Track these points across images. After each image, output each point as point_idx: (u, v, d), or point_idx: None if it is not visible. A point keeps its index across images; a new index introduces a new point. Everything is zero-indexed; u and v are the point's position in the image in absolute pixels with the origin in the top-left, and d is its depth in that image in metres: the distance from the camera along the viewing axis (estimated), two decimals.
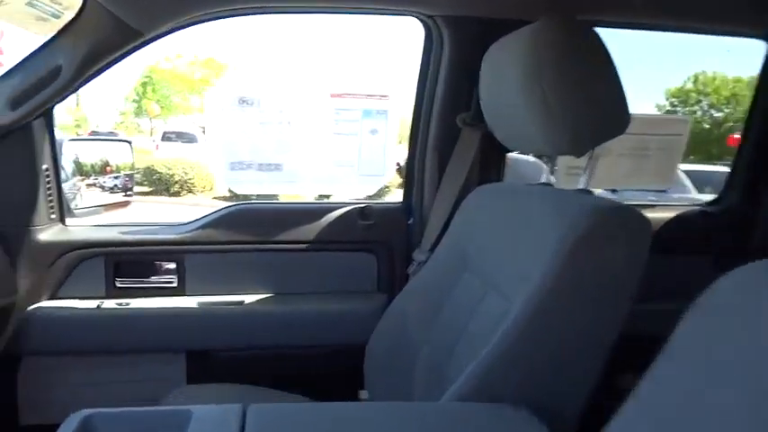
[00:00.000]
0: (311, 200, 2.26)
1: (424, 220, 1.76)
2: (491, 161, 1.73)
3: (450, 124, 1.67)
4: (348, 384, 1.55)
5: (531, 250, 1.07)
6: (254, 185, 1.93)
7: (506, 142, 1.30)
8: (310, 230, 1.84)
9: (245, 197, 2.14)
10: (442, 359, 1.24)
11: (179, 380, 1.74)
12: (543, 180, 1.41)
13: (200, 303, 1.76)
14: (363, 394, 1.54)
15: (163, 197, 11.83)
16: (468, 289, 1.28)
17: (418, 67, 1.78)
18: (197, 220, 1.83)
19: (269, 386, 1.55)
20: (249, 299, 1.80)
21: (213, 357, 1.73)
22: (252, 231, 1.81)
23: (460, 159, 1.68)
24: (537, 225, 1.11)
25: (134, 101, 25.80)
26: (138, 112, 25.85)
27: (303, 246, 1.84)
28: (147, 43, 1.57)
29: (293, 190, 1.98)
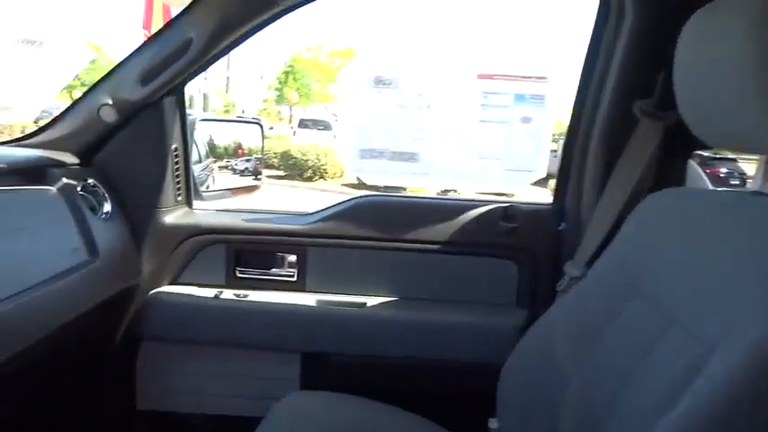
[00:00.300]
0: (435, 194, 2.04)
1: (581, 226, 1.48)
2: (672, 161, 1.40)
3: (625, 113, 1.37)
4: (476, 410, 1.32)
5: (747, 281, 0.78)
6: (384, 176, 1.75)
7: (709, 138, 0.99)
8: (444, 229, 1.63)
9: (374, 187, 1.97)
10: (599, 403, 0.97)
11: (292, 382, 1.61)
12: (756, 187, 1.07)
13: (318, 302, 1.62)
14: (493, 423, 1.30)
15: (296, 182, 12.26)
16: (640, 320, 0.99)
17: (587, 44, 1.48)
18: (322, 210, 1.69)
19: (386, 400, 1.37)
20: (372, 301, 1.62)
21: (329, 362, 1.58)
22: (380, 226, 1.63)
23: (634, 156, 1.37)
24: (757, 248, 0.80)
25: (276, 89, 27.22)
26: (280, 99, 27.25)
27: (435, 246, 1.63)
28: (280, 15, 1.44)
29: (427, 183, 1.77)
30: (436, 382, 1.59)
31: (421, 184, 1.90)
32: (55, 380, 1.47)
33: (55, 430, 1.59)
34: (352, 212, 1.65)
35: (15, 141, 1.52)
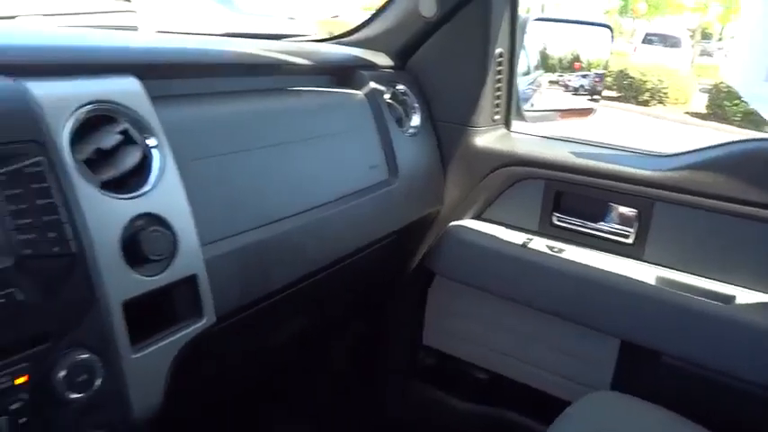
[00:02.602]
0: None
1: None
2: None
3: None
4: None
5: None
6: None
7: None
8: None
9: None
10: None
11: (601, 370, 1.25)
12: None
13: (660, 280, 1.17)
14: None
15: (629, 105, 10.97)
16: None
17: None
18: (685, 153, 1.20)
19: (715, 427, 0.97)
20: (743, 296, 1.11)
21: (658, 362, 1.15)
22: None
23: None
24: None
25: None
26: (623, 10, 24.50)
27: None
28: None
29: None
30: None
31: None
32: (343, 306, 1.39)
33: (339, 355, 1.56)
34: (733, 162, 1.12)
35: (332, 39, 1.39)
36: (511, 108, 1.39)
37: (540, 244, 1.29)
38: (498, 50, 1.28)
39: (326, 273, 1.05)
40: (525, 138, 1.39)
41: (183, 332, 0.76)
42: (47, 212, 0.60)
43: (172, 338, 0.75)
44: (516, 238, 1.31)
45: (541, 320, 1.29)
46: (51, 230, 0.61)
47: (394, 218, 1.22)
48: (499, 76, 1.32)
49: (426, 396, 1.53)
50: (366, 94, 1.20)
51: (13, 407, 0.57)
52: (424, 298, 1.49)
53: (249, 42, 1.12)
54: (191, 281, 0.77)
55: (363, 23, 1.37)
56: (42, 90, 0.66)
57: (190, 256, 0.76)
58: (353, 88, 1.20)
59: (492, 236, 1.33)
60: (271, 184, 0.94)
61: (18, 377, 0.58)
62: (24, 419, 0.58)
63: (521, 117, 1.46)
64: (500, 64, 1.31)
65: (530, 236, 1.31)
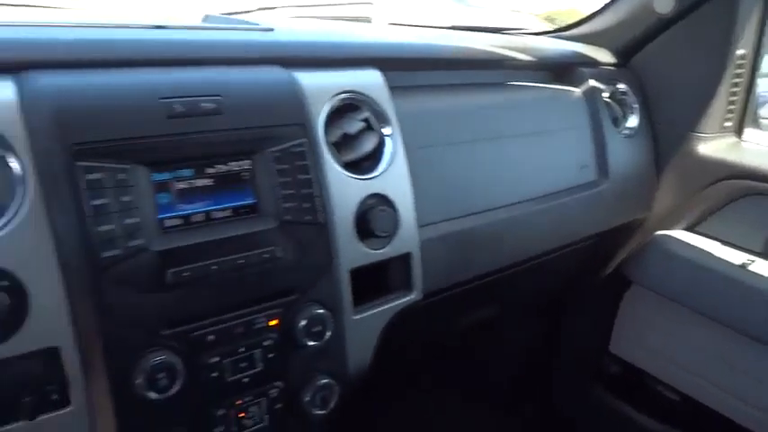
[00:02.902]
0: None
1: None
2: None
3: None
4: None
5: None
6: None
7: None
8: None
9: None
10: None
11: None
12: None
13: None
14: None
15: None
16: None
17: None
18: None
19: None
20: None
21: None
22: None
23: None
24: None
25: None
26: None
27: None
28: None
29: None
30: None
31: None
32: (530, 302, 1.40)
33: (515, 349, 1.57)
34: None
35: (553, 32, 1.38)
36: (746, 115, 1.27)
37: (763, 267, 1.17)
38: (741, 52, 1.17)
39: (523, 267, 1.08)
40: (760, 149, 1.26)
41: (395, 303, 0.84)
42: (305, 186, 0.71)
43: (385, 306, 0.83)
44: (735, 257, 1.20)
45: (751, 350, 1.18)
46: (307, 202, 0.71)
47: (598, 220, 1.20)
48: (737, 80, 1.20)
49: (605, 403, 1.49)
50: (584, 92, 1.18)
51: (265, 343, 0.70)
52: (617, 305, 1.43)
53: (474, 36, 1.16)
54: (406, 258, 0.84)
55: (588, 17, 1.33)
56: (307, 80, 0.77)
57: (408, 236, 0.84)
58: (572, 85, 1.19)
59: (705, 251, 1.23)
60: (482, 175, 0.98)
61: (271, 320, 0.70)
62: (272, 355, 0.70)
63: (756, 125, 1.32)
64: (740, 66, 1.19)
65: (751, 257, 1.20)
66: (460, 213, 0.94)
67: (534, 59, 1.17)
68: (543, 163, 1.08)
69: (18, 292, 0.56)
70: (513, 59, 1.13)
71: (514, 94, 1.11)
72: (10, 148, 0.57)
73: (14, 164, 0.58)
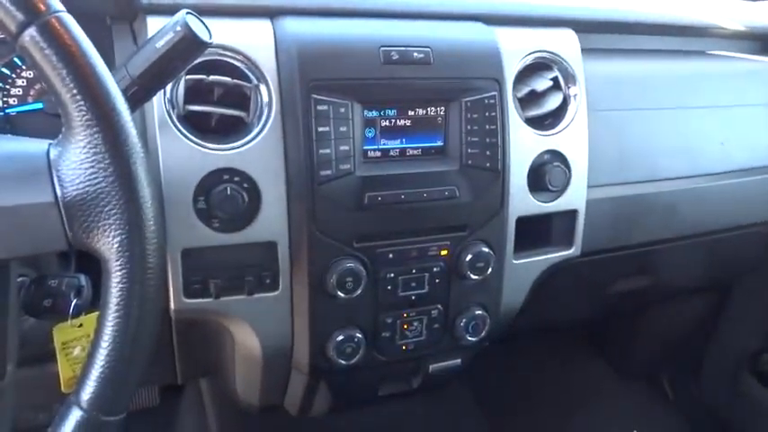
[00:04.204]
0: None
1: None
2: None
3: None
4: None
5: None
6: None
7: None
8: None
9: None
10: None
11: None
12: None
13: None
14: None
15: None
16: None
17: None
18: None
19: None
20: None
21: None
22: None
23: None
24: None
25: None
26: None
27: None
28: None
29: None
30: None
31: None
32: (687, 281, 1.36)
33: (666, 326, 1.54)
34: None
35: None
36: None
37: None
38: None
39: (691, 241, 1.06)
40: None
41: (552, 255, 0.90)
42: (490, 136, 0.78)
43: (543, 257, 0.89)
44: None
45: None
46: (489, 150, 0.78)
47: None
48: None
49: (755, 395, 1.43)
50: None
51: (434, 269, 0.80)
52: None
53: (672, 2, 1.11)
54: (572, 215, 0.89)
55: None
56: (505, 37, 0.82)
57: (577, 194, 0.88)
58: None
59: None
60: (663, 144, 0.98)
61: (442, 250, 0.79)
62: (438, 280, 0.80)
63: None
64: None
65: None
66: (634, 179, 0.95)
67: (742, 29, 1.10)
68: (732, 138, 1.04)
69: (255, 194, 0.70)
70: (718, 27, 1.07)
71: (714, 64, 1.07)
72: (264, 79, 0.70)
73: (264, 92, 0.71)
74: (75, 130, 0.39)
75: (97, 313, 0.51)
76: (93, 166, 0.39)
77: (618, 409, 1.56)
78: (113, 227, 0.40)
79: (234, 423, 1.19)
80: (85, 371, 0.41)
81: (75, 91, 0.38)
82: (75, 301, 0.50)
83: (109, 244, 0.40)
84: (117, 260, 0.40)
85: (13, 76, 0.72)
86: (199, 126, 0.70)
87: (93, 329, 0.51)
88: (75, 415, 0.41)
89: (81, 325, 0.53)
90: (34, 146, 0.42)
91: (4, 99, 0.72)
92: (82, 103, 0.38)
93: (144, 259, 0.40)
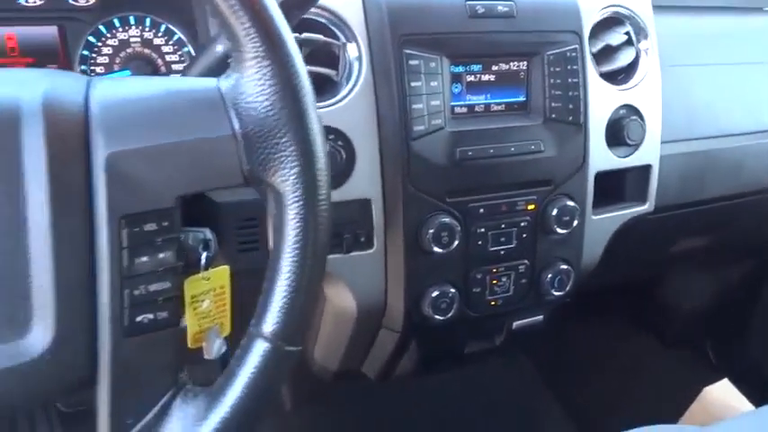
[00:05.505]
0: None
1: None
2: None
3: None
4: None
5: None
6: None
7: None
8: None
9: None
10: None
11: None
12: None
13: None
14: None
15: None
16: None
17: None
18: None
19: None
20: None
21: None
22: None
23: None
24: None
25: None
26: None
27: None
28: None
29: None
30: None
31: None
32: (753, 239, 1.35)
33: (724, 286, 1.53)
34: None
35: None
36: None
37: None
38: None
39: (754, 198, 1.06)
40: None
41: (628, 211, 0.90)
42: (572, 89, 0.79)
43: (619, 213, 0.90)
44: None
45: None
46: (571, 103, 0.79)
47: None
48: None
49: None
50: None
51: (522, 224, 0.80)
52: None
53: None
54: (646, 169, 0.89)
55: None
56: None
57: (651, 149, 0.88)
58: None
59: None
60: (728, 100, 0.98)
61: (529, 205, 0.80)
62: (525, 235, 0.81)
63: None
64: None
65: None
66: (701, 135, 0.96)
67: None
68: None
69: (350, 151, 0.71)
70: None
71: None
72: (353, 37, 0.71)
73: (353, 49, 0.72)
74: (246, 63, 0.40)
75: (224, 267, 0.52)
76: (267, 99, 0.40)
77: (664, 378, 1.57)
78: (290, 158, 0.40)
79: (305, 391, 1.19)
80: (265, 303, 0.41)
81: (248, 25, 0.39)
82: (204, 253, 0.51)
83: (285, 176, 0.40)
84: (294, 192, 0.40)
85: (99, 44, 0.73)
86: None
87: (221, 281, 0.52)
88: (260, 346, 0.41)
89: (209, 279, 0.53)
90: (202, 82, 0.42)
91: (91, 68, 0.73)
92: (256, 36, 0.39)
93: (317, 191, 0.41)
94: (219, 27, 0.40)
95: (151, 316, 0.40)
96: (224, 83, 0.41)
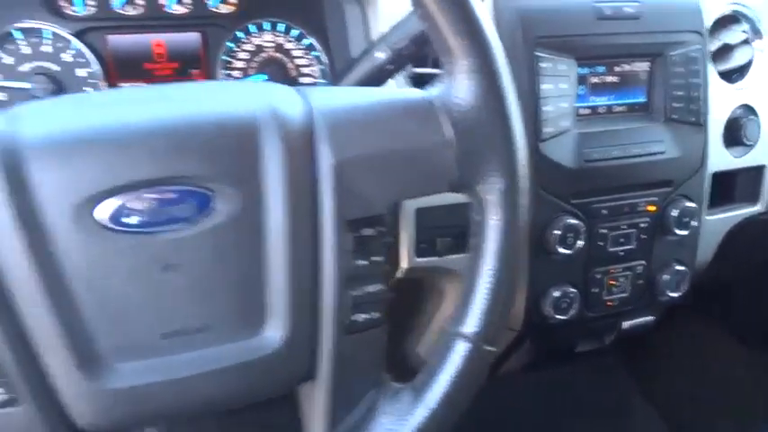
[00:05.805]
0: None
1: None
2: None
3: None
4: None
5: None
6: None
7: None
8: None
9: None
10: None
11: None
12: None
13: None
14: None
15: None
16: None
17: None
18: None
19: None
20: None
21: None
22: None
23: None
24: None
25: None
26: None
27: None
28: None
29: None
30: None
31: None
32: None
33: None
34: None
35: None
36: None
37: None
38: None
39: None
40: None
41: (741, 211, 0.90)
42: (694, 89, 0.78)
43: (732, 213, 0.89)
44: None
45: None
46: (693, 104, 0.79)
47: None
48: None
49: None
50: None
51: (642, 225, 0.80)
52: None
53: None
54: (759, 170, 0.88)
55: None
56: None
57: (765, 149, 0.87)
58: None
59: None
60: None
61: (649, 206, 0.80)
62: (644, 236, 0.81)
63: None
64: None
65: None
66: None
67: None
68: None
69: None
70: None
71: None
72: None
73: None
74: (459, 76, 0.41)
75: None
76: (479, 110, 0.41)
77: (750, 379, 1.54)
78: (497, 167, 0.41)
79: None
80: (466, 305, 0.43)
81: (465, 41, 0.40)
82: None
83: (491, 183, 0.42)
84: (499, 199, 0.42)
85: (237, 49, 0.75)
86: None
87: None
88: (461, 346, 0.43)
89: None
90: (411, 92, 0.44)
91: (228, 72, 0.75)
92: (472, 55, 0.40)
93: (519, 199, 0.42)
94: (436, 45, 0.41)
95: (367, 315, 0.42)
96: (435, 92, 0.43)
